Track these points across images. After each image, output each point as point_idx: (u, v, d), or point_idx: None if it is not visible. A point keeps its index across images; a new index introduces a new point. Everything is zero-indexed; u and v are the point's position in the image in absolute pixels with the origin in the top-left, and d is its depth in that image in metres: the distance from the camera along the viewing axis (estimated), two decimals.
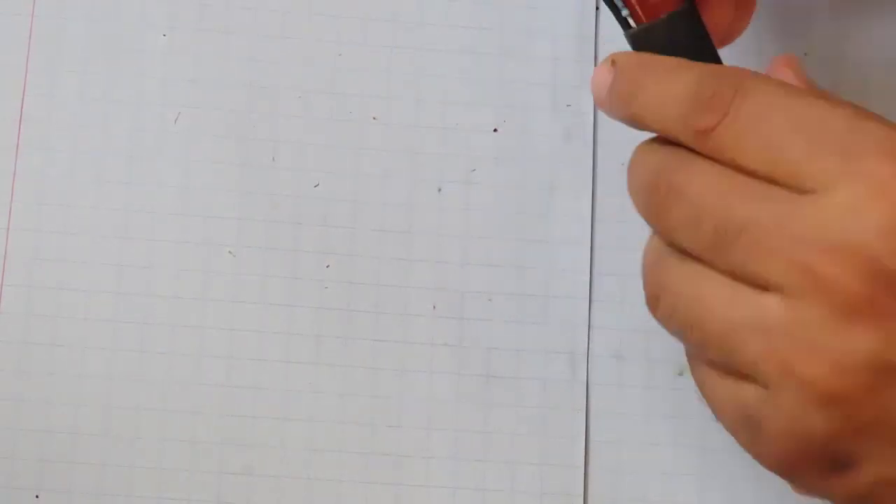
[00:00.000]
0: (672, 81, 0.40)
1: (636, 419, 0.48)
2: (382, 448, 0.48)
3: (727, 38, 0.44)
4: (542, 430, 0.48)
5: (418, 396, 0.48)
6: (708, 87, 0.39)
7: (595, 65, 0.50)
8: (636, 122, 0.41)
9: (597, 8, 0.51)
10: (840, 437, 0.37)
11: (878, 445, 0.37)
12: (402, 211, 0.49)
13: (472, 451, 0.48)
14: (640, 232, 0.41)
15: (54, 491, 0.47)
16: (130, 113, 0.49)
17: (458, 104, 0.50)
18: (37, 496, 0.47)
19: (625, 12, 0.42)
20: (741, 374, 0.38)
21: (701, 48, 0.42)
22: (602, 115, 0.50)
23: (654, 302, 0.40)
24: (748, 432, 0.39)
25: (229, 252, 0.49)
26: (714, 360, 0.39)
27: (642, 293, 0.41)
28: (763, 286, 0.37)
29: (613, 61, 0.41)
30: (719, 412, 0.40)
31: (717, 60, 0.43)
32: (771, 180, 0.38)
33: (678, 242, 0.40)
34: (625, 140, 0.42)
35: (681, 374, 0.49)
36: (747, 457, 0.47)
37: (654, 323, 0.41)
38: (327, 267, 0.49)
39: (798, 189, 0.37)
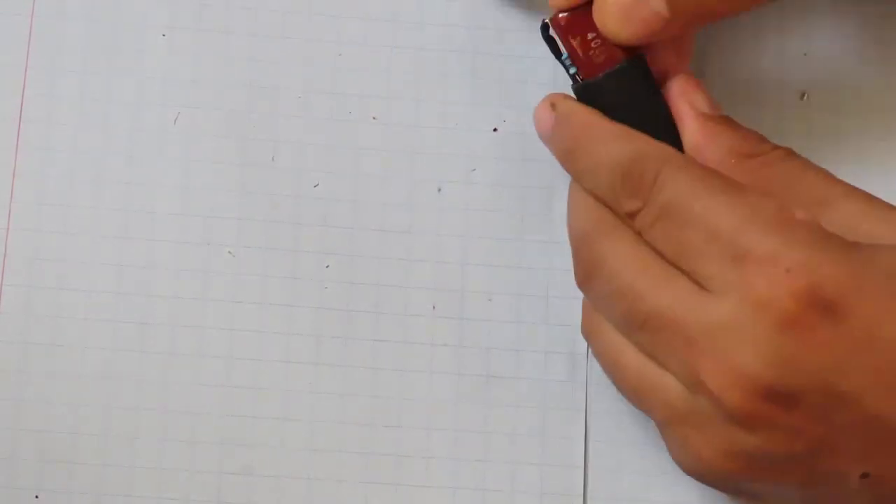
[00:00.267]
0: (607, 153, 0.42)
1: (636, 419, 0.48)
2: (382, 448, 0.48)
3: (668, 78, 0.46)
4: (542, 430, 0.48)
5: (418, 396, 0.48)
6: (636, 169, 0.41)
7: None
8: (576, 179, 0.44)
9: None
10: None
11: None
12: (402, 211, 0.49)
13: (472, 451, 0.48)
14: None
15: (54, 491, 0.47)
16: (130, 113, 0.49)
17: (458, 104, 0.50)
18: (37, 496, 0.47)
19: (572, 70, 0.44)
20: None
21: (645, 100, 0.44)
22: None
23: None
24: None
25: (229, 252, 0.49)
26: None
27: None
28: (665, 369, 0.41)
29: (553, 104, 0.43)
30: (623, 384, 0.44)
31: (664, 110, 0.44)
32: (680, 270, 0.40)
33: (598, 310, 0.43)
34: None
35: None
36: None
37: None
38: (327, 267, 0.49)
39: (699, 283, 0.40)
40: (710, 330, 0.39)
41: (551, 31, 0.44)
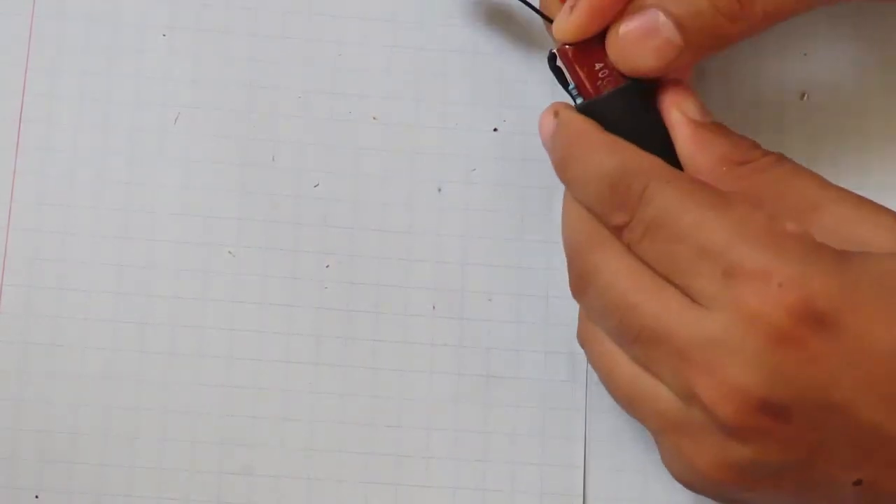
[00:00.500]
0: (595, 163, 0.42)
1: (636, 420, 0.48)
2: (382, 448, 0.48)
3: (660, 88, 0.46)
4: (542, 430, 0.48)
5: (418, 396, 0.48)
6: (623, 182, 0.41)
7: None
8: (568, 189, 0.44)
9: None
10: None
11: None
12: (402, 211, 0.49)
13: (472, 451, 0.48)
14: None
15: (54, 491, 0.47)
16: (130, 113, 0.49)
17: (458, 104, 0.50)
18: (37, 496, 0.47)
19: (572, 88, 0.44)
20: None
21: (643, 122, 0.44)
22: None
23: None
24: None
25: (229, 252, 0.49)
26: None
27: None
28: (659, 380, 0.41)
29: (556, 112, 0.43)
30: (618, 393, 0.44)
31: (663, 133, 0.44)
32: (671, 283, 0.40)
33: (592, 320, 0.43)
34: None
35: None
36: None
37: None
38: (327, 267, 0.49)
39: (690, 297, 0.40)
40: (703, 344, 0.39)
41: (558, 62, 0.44)
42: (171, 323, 0.48)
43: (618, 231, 0.41)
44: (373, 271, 0.49)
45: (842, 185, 0.43)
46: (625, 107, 0.44)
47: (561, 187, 0.49)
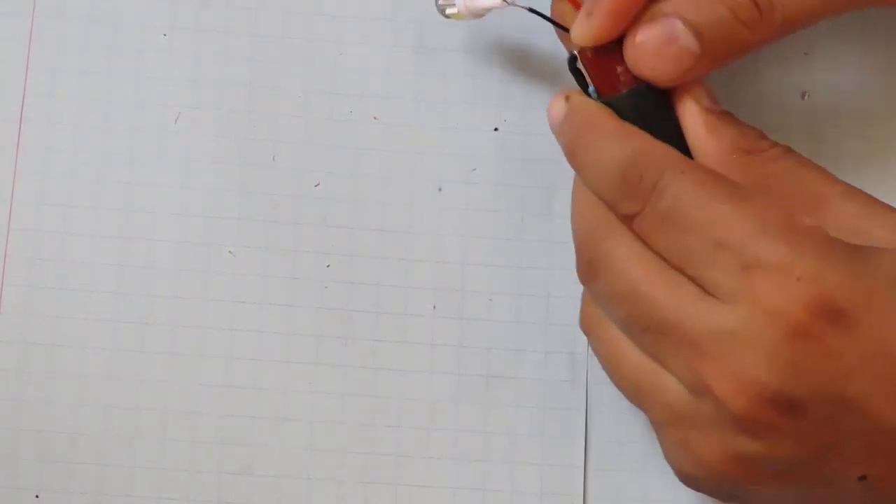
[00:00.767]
0: (607, 151, 0.42)
1: (636, 419, 0.48)
2: (382, 448, 0.48)
3: None
4: (542, 430, 0.48)
5: (418, 396, 0.48)
6: (635, 171, 0.41)
7: None
8: (579, 176, 0.43)
9: None
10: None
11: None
12: (402, 211, 0.49)
13: (472, 451, 0.48)
14: None
15: (54, 491, 0.47)
16: (130, 113, 0.49)
17: (458, 104, 0.50)
18: (37, 496, 0.47)
19: (592, 90, 0.43)
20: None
21: (659, 120, 0.43)
22: None
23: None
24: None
25: (229, 252, 0.49)
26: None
27: None
28: (667, 370, 0.41)
29: (567, 97, 0.43)
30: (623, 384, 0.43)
31: (678, 134, 0.43)
32: (684, 274, 0.40)
33: (600, 307, 0.43)
34: None
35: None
36: None
37: None
38: (327, 267, 0.49)
39: (704, 289, 0.40)
40: (718, 336, 0.39)
41: (578, 64, 0.44)
42: (171, 323, 0.48)
43: (628, 220, 0.41)
44: (373, 271, 0.49)
45: None
46: (641, 105, 0.43)
47: (562, 187, 0.49)
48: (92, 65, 0.50)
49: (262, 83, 0.50)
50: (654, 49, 0.42)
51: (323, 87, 0.50)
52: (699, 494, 0.48)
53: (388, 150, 0.50)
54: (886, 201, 0.43)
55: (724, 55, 0.43)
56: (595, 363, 0.48)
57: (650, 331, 0.41)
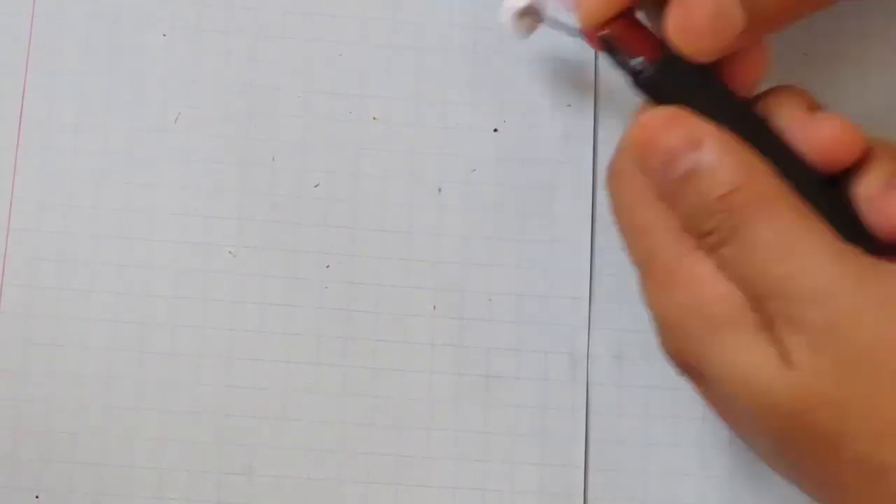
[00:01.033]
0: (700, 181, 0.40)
1: (636, 419, 0.48)
2: (382, 448, 0.48)
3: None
4: (542, 430, 0.48)
5: (418, 396, 0.48)
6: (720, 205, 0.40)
7: (595, 67, 0.50)
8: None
9: None
10: None
11: None
12: (402, 211, 0.49)
13: (472, 451, 0.48)
14: None
15: (54, 491, 0.47)
16: (130, 113, 0.49)
17: (458, 104, 0.50)
18: (37, 496, 0.47)
19: (636, 62, 0.41)
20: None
21: (712, 84, 0.41)
22: (602, 115, 0.50)
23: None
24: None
25: (229, 252, 0.49)
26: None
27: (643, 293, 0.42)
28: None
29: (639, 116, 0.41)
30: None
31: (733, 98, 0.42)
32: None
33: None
34: None
35: (681, 374, 0.49)
36: (747, 456, 0.47)
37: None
38: (327, 267, 0.49)
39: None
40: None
41: (614, 42, 0.41)
42: (171, 323, 0.48)
43: (697, 234, 0.40)
44: (373, 271, 0.49)
45: None
46: (696, 67, 0.41)
47: (561, 187, 0.49)
48: (92, 65, 0.49)
49: (262, 83, 0.50)
50: (699, 23, 0.40)
51: (323, 87, 0.50)
52: (699, 495, 0.48)
53: (388, 150, 0.50)
54: None
55: (767, 28, 0.42)
56: (595, 362, 0.48)
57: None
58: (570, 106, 0.50)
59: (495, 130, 0.50)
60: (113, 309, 0.48)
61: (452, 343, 0.49)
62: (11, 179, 0.49)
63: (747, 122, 0.41)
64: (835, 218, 0.40)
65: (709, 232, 0.40)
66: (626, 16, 0.42)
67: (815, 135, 0.41)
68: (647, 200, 0.41)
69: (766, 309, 0.39)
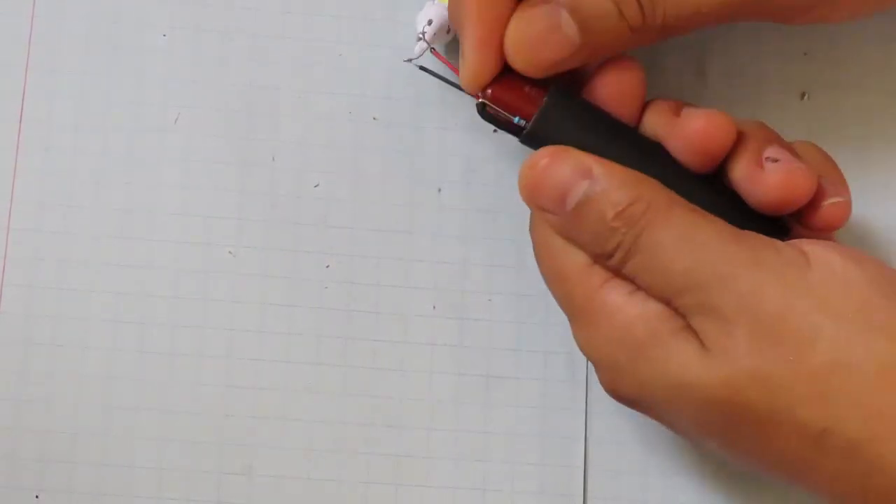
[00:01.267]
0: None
1: (636, 419, 0.48)
2: (382, 448, 0.48)
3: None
4: (542, 430, 0.48)
5: (418, 396, 0.48)
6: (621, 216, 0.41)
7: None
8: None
9: None
10: None
11: None
12: (402, 211, 0.49)
13: (472, 451, 0.48)
14: None
15: (54, 491, 0.47)
16: (130, 113, 0.49)
17: (459, 104, 0.50)
18: (37, 496, 0.47)
19: (518, 120, 0.44)
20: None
21: (597, 116, 0.44)
22: None
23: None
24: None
25: (229, 252, 0.49)
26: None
27: None
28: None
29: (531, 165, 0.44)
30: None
31: (616, 126, 0.44)
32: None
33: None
34: None
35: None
36: None
37: None
38: (327, 267, 0.49)
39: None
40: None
41: (489, 108, 0.44)
42: (171, 323, 0.48)
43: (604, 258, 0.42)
44: (373, 271, 0.49)
45: None
46: (572, 108, 0.43)
47: None
48: (92, 65, 0.49)
49: (262, 83, 0.50)
50: (534, 36, 0.42)
51: (323, 87, 0.50)
52: (700, 495, 0.48)
53: (388, 150, 0.50)
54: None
55: (601, 50, 0.43)
56: None
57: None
58: None
59: (495, 131, 0.50)
60: (113, 309, 0.48)
61: (452, 343, 0.49)
62: (11, 179, 0.49)
63: (634, 143, 0.43)
64: (725, 210, 0.42)
65: (613, 250, 0.41)
66: (503, 74, 0.44)
67: (683, 133, 0.43)
68: (556, 244, 0.43)
69: (679, 307, 0.40)
